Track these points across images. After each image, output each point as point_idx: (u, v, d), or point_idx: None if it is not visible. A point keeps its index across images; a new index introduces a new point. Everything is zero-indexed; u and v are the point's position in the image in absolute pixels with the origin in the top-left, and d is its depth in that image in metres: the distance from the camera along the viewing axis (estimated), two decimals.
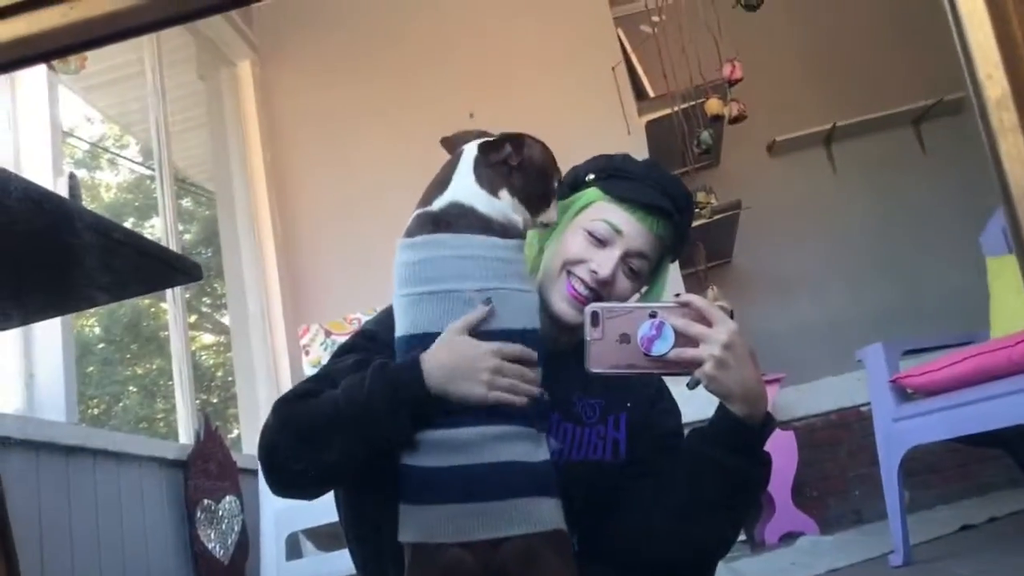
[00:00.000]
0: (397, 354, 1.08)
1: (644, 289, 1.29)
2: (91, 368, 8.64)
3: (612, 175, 1.26)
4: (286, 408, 1.09)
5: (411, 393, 1.01)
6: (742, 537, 3.68)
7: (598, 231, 1.21)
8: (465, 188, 1.10)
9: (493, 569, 0.95)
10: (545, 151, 1.17)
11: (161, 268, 1.05)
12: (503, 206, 1.10)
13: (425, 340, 1.04)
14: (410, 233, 1.09)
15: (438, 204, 1.09)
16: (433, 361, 1.02)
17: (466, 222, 1.08)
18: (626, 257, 1.21)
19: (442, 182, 1.12)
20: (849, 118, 4.63)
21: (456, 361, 1.01)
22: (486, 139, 1.14)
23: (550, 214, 1.17)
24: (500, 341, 1.03)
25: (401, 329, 1.08)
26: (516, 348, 1.04)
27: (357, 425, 1.01)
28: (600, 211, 1.23)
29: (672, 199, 1.24)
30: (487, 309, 1.03)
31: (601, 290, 1.19)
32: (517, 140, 1.13)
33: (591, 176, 1.27)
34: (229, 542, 2.69)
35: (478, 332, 1.03)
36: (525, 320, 1.07)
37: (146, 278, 1.07)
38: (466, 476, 0.97)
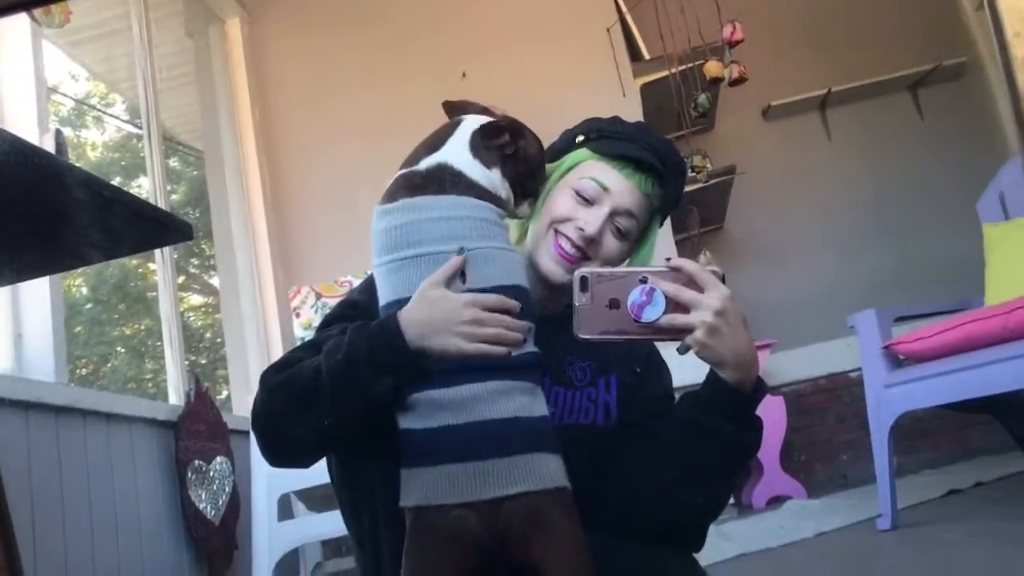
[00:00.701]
0: None
1: (630, 261, 1.27)
2: (79, 328, 8.61)
3: (601, 135, 1.25)
4: (272, 378, 1.07)
5: (390, 352, 0.99)
6: (731, 500, 3.71)
7: (585, 189, 1.20)
8: (457, 154, 1.08)
9: (498, 529, 0.93)
10: (540, 148, 1.18)
11: (153, 227, 1.02)
12: (493, 178, 1.09)
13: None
14: (390, 196, 1.07)
15: (425, 164, 1.08)
16: (409, 317, 1.00)
17: (452, 183, 1.06)
18: (614, 215, 1.19)
19: (433, 145, 1.10)
20: (845, 83, 4.59)
21: (432, 315, 0.99)
22: (488, 120, 1.13)
23: (524, 209, 1.17)
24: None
25: (384, 297, 1.06)
26: (494, 298, 1.01)
27: (341, 388, 0.99)
28: (588, 169, 1.22)
29: (661, 157, 1.23)
30: (462, 259, 1.01)
31: (588, 248, 1.18)
32: (517, 129, 1.12)
33: (581, 137, 1.26)
34: (220, 503, 2.69)
35: (467, 290, 1.00)
36: (515, 277, 1.05)
37: (138, 236, 1.04)
38: (464, 435, 0.95)
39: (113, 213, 0.89)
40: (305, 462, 1.10)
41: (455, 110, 1.17)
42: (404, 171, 1.09)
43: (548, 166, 1.27)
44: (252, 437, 2.73)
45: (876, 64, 4.63)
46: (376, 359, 0.99)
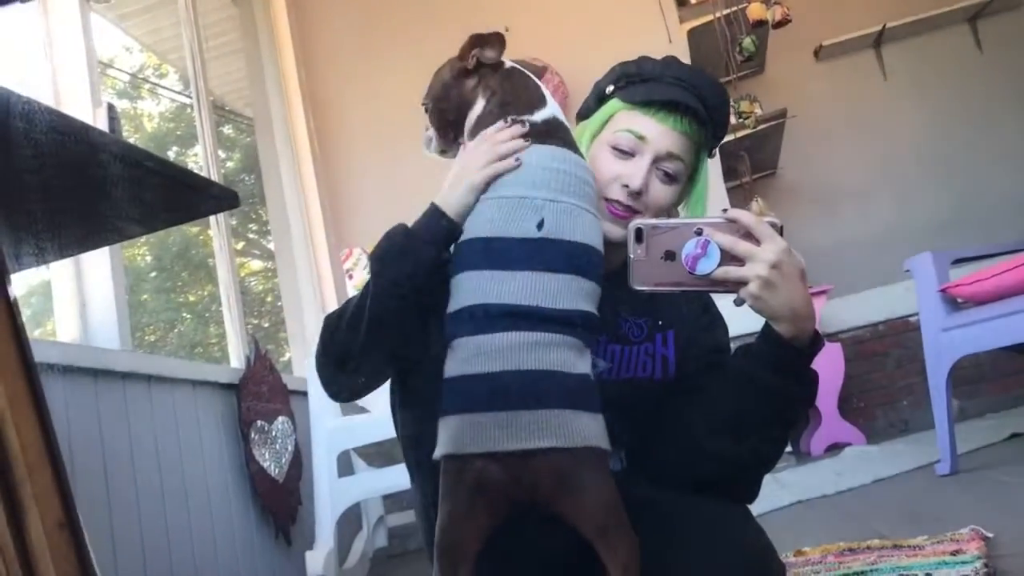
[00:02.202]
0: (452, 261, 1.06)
1: (686, 200, 1.26)
2: (146, 296, 8.85)
3: (630, 82, 1.23)
4: (329, 315, 1.14)
5: (425, 218, 1.06)
6: (788, 448, 3.69)
7: (621, 143, 1.19)
8: (557, 109, 1.13)
9: (525, 484, 0.92)
10: None
11: (191, 196, 1.05)
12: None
13: (482, 243, 1.02)
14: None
15: (541, 116, 1.10)
16: (441, 195, 1.07)
17: (564, 138, 1.10)
18: (657, 162, 1.18)
19: (539, 97, 1.13)
20: (900, 18, 4.43)
21: (452, 172, 1.08)
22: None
23: None
24: (568, 251, 1.01)
25: (470, 231, 1.06)
26: (496, 126, 1.08)
27: (377, 264, 1.06)
28: (621, 121, 1.20)
29: (693, 89, 1.20)
30: (518, 164, 1.05)
31: (636, 203, 1.17)
32: None
33: (610, 88, 1.24)
34: (283, 461, 2.78)
35: (547, 239, 1.00)
36: (592, 239, 1.04)
37: (176, 207, 1.07)
38: (496, 383, 0.93)
39: (151, 185, 0.92)
40: (366, 384, 1.13)
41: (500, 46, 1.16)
42: (522, 118, 1.10)
43: (582, 124, 1.27)
44: (311, 396, 2.81)
45: None
46: (413, 230, 1.06)
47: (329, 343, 1.12)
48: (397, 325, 1.06)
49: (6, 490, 0.65)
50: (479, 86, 1.14)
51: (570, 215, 1.02)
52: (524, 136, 1.07)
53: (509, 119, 1.09)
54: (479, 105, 1.14)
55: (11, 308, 0.67)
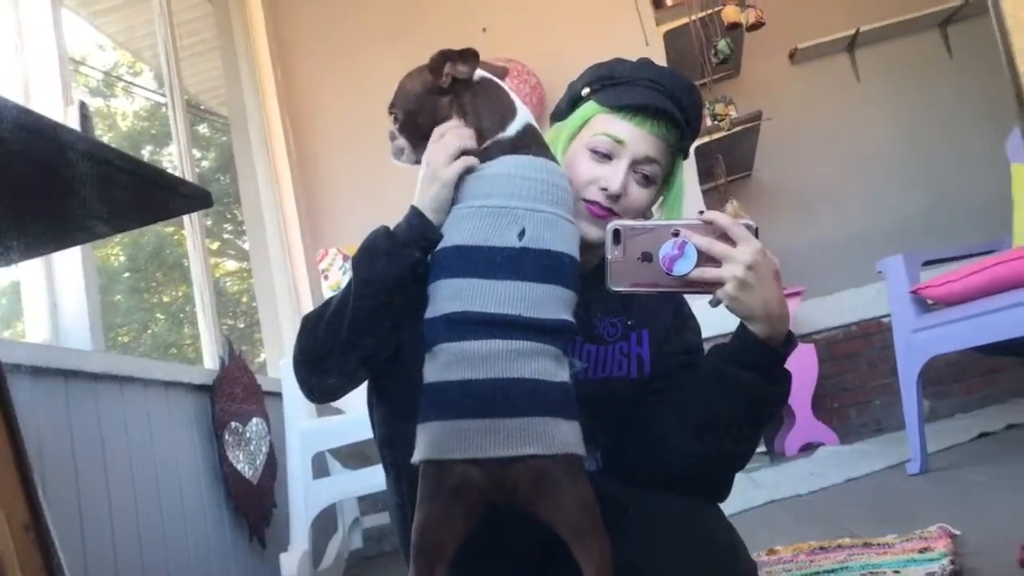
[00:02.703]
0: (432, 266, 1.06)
1: (661, 199, 1.27)
2: (119, 297, 8.76)
3: (605, 84, 1.24)
4: (307, 315, 1.15)
5: (407, 224, 1.07)
6: (762, 448, 3.72)
7: (600, 146, 1.20)
8: (528, 116, 1.13)
9: (505, 489, 0.94)
10: None
11: (163, 195, 1.04)
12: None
13: (463, 251, 1.03)
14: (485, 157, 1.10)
15: (513, 129, 1.11)
16: (416, 198, 1.09)
17: (537, 145, 1.11)
18: (634, 165, 1.19)
19: (510, 108, 1.13)
20: (873, 22, 4.47)
21: (421, 175, 1.09)
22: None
23: None
24: (548, 261, 1.02)
25: (450, 238, 1.06)
26: (442, 126, 1.11)
27: (359, 266, 1.07)
28: (598, 124, 1.21)
29: (669, 94, 1.21)
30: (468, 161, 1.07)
31: (615, 205, 1.18)
32: None
33: (586, 90, 1.25)
34: (257, 463, 2.76)
35: (527, 249, 1.01)
36: (568, 247, 1.06)
37: (148, 206, 1.06)
38: (479, 391, 0.95)
39: (121, 184, 0.91)
40: (341, 385, 1.13)
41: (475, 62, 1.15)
42: (494, 140, 1.10)
43: (558, 125, 1.28)
44: (285, 398, 2.80)
45: (904, 1, 4.49)
46: (392, 230, 1.07)
47: (307, 343, 1.12)
48: (378, 326, 1.07)
49: None
50: (453, 104, 1.13)
51: (550, 225, 1.04)
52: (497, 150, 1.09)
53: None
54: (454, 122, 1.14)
55: None
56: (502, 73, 1.21)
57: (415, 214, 1.07)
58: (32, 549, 0.65)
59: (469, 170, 1.07)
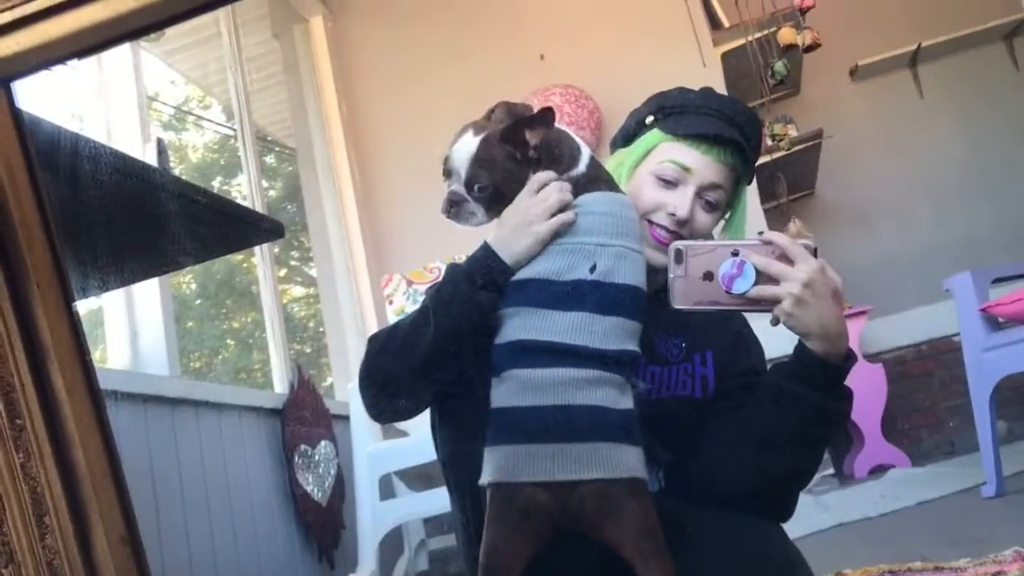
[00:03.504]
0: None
1: (727, 217, 1.30)
2: (191, 324, 9.01)
3: (670, 113, 1.26)
4: (373, 336, 1.17)
5: (484, 265, 1.07)
6: (830, 471, 3.66)
7: (667, 173, 1.22)
8: (586, 147, 1.15)
9: (571, 511, 0.96)
10: None
11: (242, 227, 1.10)
12: None
13: (535, 283, 1.05)
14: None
15: (581, 166, 1.13)
16: (496, 237, 1.09)
17: (604, 177, 1.14)
18: (700, 192, 1.22)
19: (576, 146, 1.15)
20: (935, 37, 4.40)
21: (511, 221, 1.09)
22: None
23: None
24: (617, 293, 1.04)
25: (521, 273, 1.09)
26: (541, 176, 1.10)
27: (439, 308, 1.07)
28: (664, 152, 1.24)
29: (733, 122, 1.23)
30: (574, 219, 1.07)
31: (682, 230, 1.21)
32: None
33: (650, 119, 1.27)
34: (326, 484, 2.82)
35: (598, 282, 1.04)
36: (637, 279, 1.08)
37: (228, 239, 1.12)
38: (547, 416, 0.98)
39: (204, 220, 0.97)
40: (408, 408, 1.16)
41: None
42: (566, 176, 1.12)
43: (622, 152, 1.30)
44: (352, 420, 2.86)
45: (967, 14, 4.42)
46: (472, 274, 1.07)
47: (373, 366, 1.14)
48: (451, 363, 1.09)
49: (74, 508, 0.70)
50: (532, 166, 1.13)
51: (620, 258, 1.06)
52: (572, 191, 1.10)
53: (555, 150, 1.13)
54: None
55: (78, 335, 0.72)
56: (527, 111, 1.18)
57: (494, 257, 1.07)
58: (129, 562, 0.70)
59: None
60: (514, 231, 1.08)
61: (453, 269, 1.10)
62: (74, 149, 0.75)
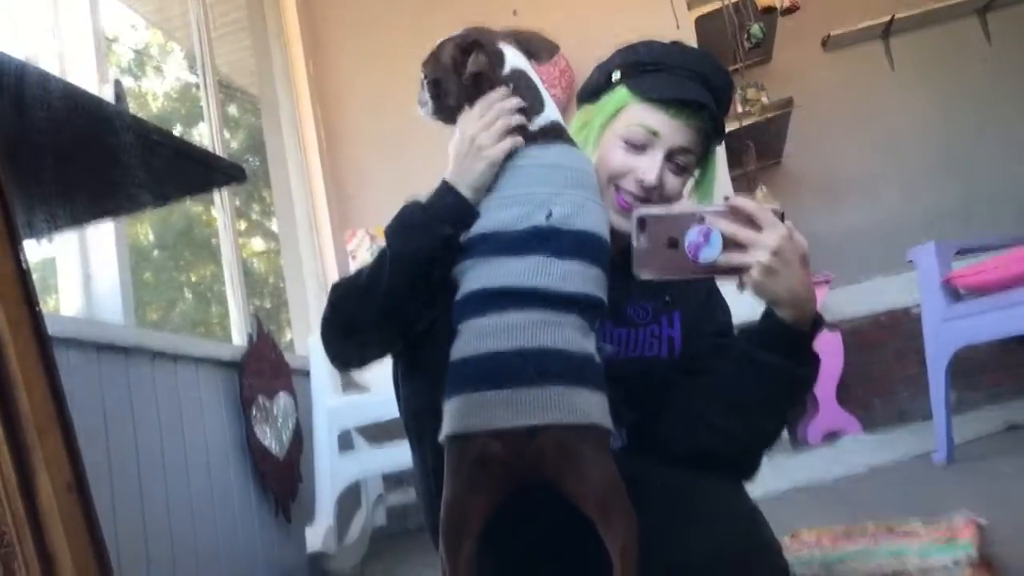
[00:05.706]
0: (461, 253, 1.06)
1: (696, 176, 1.28)
2: (148, 274, 8.85)
3: (638, 70, 1.23)
4: (337, 283, 1.16)
5: (438, 194, 1.06)
6: (784, 435, 3.71)
7: (635, 137, 1.20)
8: (555, 113, 1.12)
9: (528, 461, 0.93)
10: None
11: (201, 169, 1.06)
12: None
13: (488, 236, 1.04)
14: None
15: (539, 123, 1.10)
16: (450, 172, 1.08)
17: (563, 137, 1.11)
18: (670, 156, 1.20)
19: (540, 101, 1.11)
20: (909, 9, 4.41)
21: (461, 150, 1.07)
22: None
23: None
24: (575, 239, 1.02)
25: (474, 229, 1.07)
26: (499, 94, 1.08)
27: (400, 250, 1.06)
28: (633, 114, 1.21)
29: (705, 81, 1.21)
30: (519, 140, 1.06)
31: (651, 195, 1.19)
32: None
33: (617, 74, 1.24)
34: (284, 438, 2.79)
35: (555, 228, 1.01)
36: (599, 228, 1.06)
37: (187, 179, 1.08)
38: (502, 362, 0.95)
39: (160, 155, 0.93)
40: (370, 352, 1.15)
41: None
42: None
43: (589, 109, 1.27)
44: (312, 375, 2.83)
45: None
46: (429, 206, 1.06)
47: (339, 312, 1.13)
48: (411, 299, 1.07)
49: (17, 452, 0.67)
50: (465, 93, 1.13)
51: (579, 206, 1.04)
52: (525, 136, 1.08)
53: (510, 87, 1.10)
54: None
55: (24, 275, 0.68)
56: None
57: (450, 191, 1.07)
58: (75, 509, 0.67)
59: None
60: (462, 159, 1.07)
61: (408, 204, 1.09)
62: (20, 75, 0.70)
